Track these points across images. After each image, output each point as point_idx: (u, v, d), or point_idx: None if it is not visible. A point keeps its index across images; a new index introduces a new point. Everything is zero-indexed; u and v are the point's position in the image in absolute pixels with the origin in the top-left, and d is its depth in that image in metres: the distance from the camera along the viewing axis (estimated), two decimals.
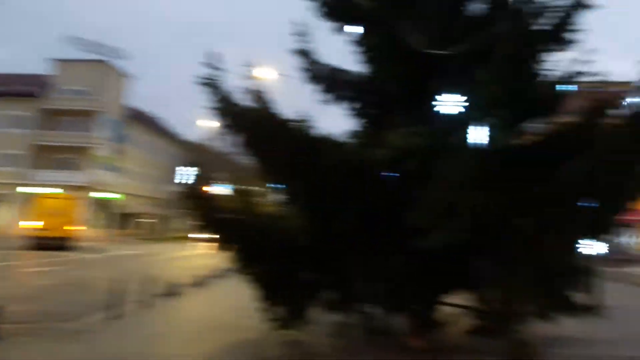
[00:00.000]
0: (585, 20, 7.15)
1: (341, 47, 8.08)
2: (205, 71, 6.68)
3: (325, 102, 8.03)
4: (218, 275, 14.26)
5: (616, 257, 27.49)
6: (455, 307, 8.01)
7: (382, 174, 6.39)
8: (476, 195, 5.68)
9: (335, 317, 7.72)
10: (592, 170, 5.81)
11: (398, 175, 6.37)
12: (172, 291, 11.50)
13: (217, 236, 7.01)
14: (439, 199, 6.04)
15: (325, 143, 6.39)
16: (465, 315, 7.95)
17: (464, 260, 7.02)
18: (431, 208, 6.16)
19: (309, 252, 6.72)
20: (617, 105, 6.78)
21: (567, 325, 7.96)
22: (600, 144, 6.00)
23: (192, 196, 6.91)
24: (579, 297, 7.80)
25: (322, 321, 7.76)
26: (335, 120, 8.36)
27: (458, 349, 7.54)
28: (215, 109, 6.66)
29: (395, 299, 7.45)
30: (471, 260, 7.08)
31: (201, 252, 26.51)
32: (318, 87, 8.04)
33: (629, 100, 6.01)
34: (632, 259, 33.30)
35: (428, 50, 6.59)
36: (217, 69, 6.71)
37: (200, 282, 13.46)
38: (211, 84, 6.67)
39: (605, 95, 7.04)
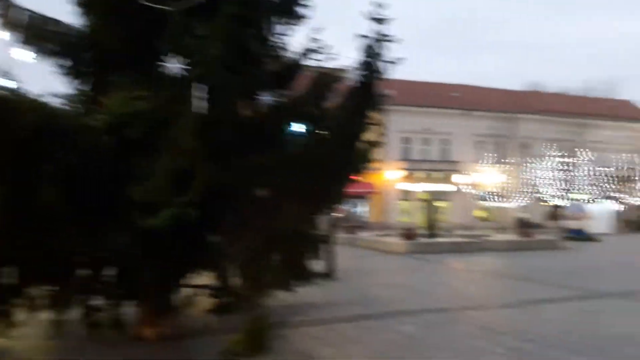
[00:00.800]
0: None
1: None
2: None
3: (30, 57, 6.56)
4: None
5: (349, 224, 31.06)
6: (196, 287, 7.58)
7: (99, 142, 5.41)
8: (206, 165, 5.21)
9: (51, 315, 6.48)
10: (317, 144, 5.90)
11: (119, 143, 5.48)
12: None
13: None
14: (166, 170, 5.40)
15: (21, 104, 5.07)
16: (206, 294, 7.59)
17: (200, 236, 6.58)
18: (158, 181, 5.49)
19: (5, 239, 5.37)
20: (340, 84, 7.10)
21: (306, 292, 8.22)
22: (324, 119, 6.17)
23: None
24: (315, 264, 8.11)
25: (35, 321, 6.45)
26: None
27: (197, 331, 7.09)
28: None
29: (125, 286, 6.63)
30: (207, 236, 6.70)
31: None
32: (17, 38, 6.50)
33: (350, 79, 6.33)
34: (363, 225, 38.13)
35: (151, 5, 5.79)
36: None
37: None
38: None
39: (331, 73, 7.32)
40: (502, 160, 40.61)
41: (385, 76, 6.40)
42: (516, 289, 11.31)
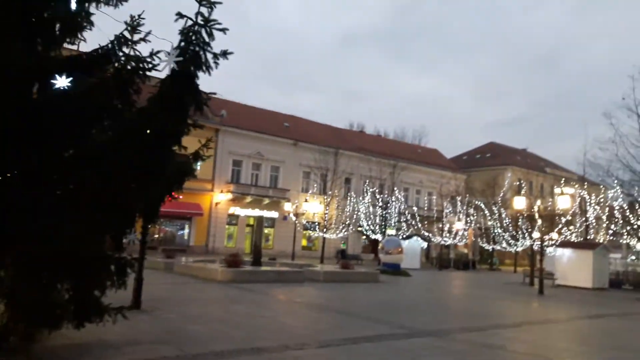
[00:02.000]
0: None
1: None
2: None
3: None
4: None
5: (167, 246, 28.85)
6: None
7: None
8: None
9: None
10: (121, 140, 4.60)
11: None
12: None
13: None
14: None
15: None
16: None
17: None
18: None
19: None
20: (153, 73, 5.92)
21: (101, 327, 6.61)
22: (129, 112, 4.91)
23: None
24: (116, 293, 6.58)
25: None
26: None
27: None
28: None
29: None
30: None
31: None
32: None
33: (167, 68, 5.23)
34: (184, 248, 36.02)
35: None
36: None
37: None
38: None
39: (142, 59, 6.02)
40: (326, 192, 42.11)
41: (209, 69, 5.37)
42: (338, 325, 10.87)
